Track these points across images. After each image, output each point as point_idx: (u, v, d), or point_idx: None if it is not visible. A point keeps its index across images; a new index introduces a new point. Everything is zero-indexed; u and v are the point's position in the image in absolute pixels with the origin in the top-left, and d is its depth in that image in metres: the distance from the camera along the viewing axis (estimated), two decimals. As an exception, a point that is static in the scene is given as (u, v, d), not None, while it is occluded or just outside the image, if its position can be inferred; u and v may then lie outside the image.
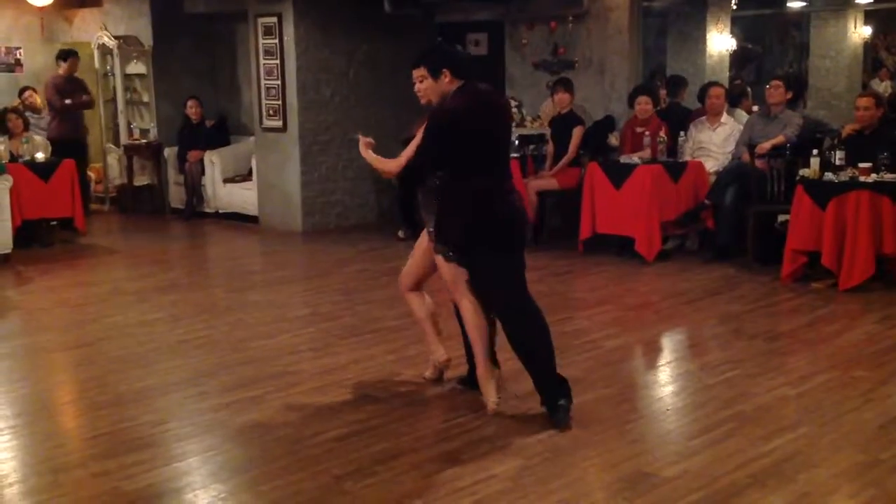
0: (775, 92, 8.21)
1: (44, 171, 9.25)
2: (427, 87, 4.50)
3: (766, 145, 7.97)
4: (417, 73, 4.52)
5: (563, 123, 8.99)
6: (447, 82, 4.47)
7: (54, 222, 9.59)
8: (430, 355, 5.05)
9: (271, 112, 10.12)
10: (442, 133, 4.41)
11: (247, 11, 10.15)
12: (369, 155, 4.79)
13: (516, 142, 9.04)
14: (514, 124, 10.12)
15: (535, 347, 4.52)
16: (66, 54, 11.00)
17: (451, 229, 4.51)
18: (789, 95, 8.28)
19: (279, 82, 9.95)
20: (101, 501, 3.73)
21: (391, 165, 4.70)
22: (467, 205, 4.43)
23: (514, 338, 4.54)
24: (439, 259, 4.65)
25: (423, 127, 4.50)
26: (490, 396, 4.61)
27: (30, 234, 9.19)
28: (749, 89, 10.33)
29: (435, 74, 4.47)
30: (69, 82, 10.88)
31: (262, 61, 10.09)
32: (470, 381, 4.87)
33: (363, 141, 4.81)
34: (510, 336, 4.54)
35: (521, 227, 4.66)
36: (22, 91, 11.10)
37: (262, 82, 10.14)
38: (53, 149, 9.82)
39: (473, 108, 4.45)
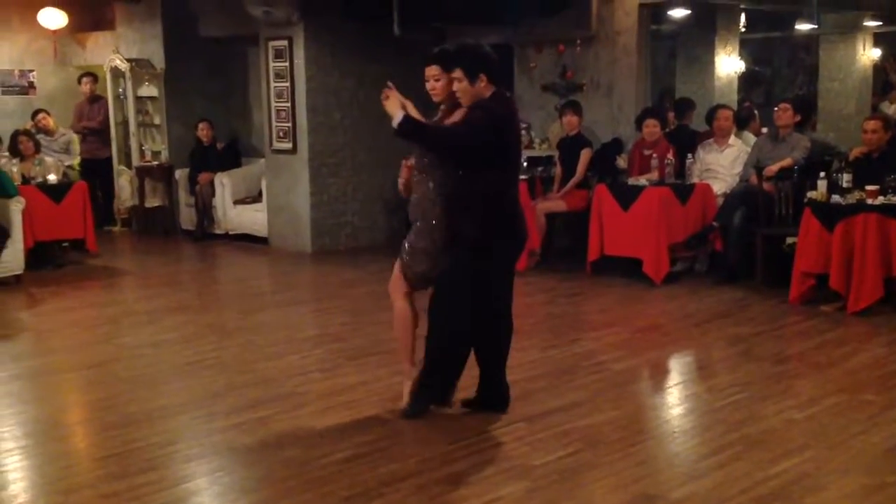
0: (783, 115, 8.23)
1: (56, 192, 9.33)
2: (462, 89, 4.51)
3: (773, 168, 7.99)
4: (454, 74, 4.52)
5: (571, 146, 9.03)
6: (483, 87, 4.52)
7: (66, 244, 9.65)
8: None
9: (281, 134, 10.19)
10: (486, 131, 4.45)
11: (258, 35, 10.25)
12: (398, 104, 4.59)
13: (525, 163, 9.09)
14: (522, 146, 10.19)
15: (458, 352, 4.78)
16: (81, 76, 11.64)
17: (466, 226, 4.56)
18: (797, 118, 8.29)
19: (289, 105, 10.03)
20: (109, 522, 3.75)
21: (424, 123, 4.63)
22: (485, 204, 4.54)
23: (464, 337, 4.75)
24: (397, 264, 4.83)
25: (465, 116, 4.52)
26: (404, 397, 4.86)
27: (42, 256, 9.25)
28: (757, 112, 10.35)
29: (472, 78, 4.49)
30: (90, 103, 11.58)
31: (272, 84, 10.17)
32: (477, 403, 4.90)
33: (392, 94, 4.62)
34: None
35: (525, 237, 4.84)
36: (35, 114, 11.22)
37: (273, 105, 10.22)
38: (81, 167, 10.75)
39: (510, 118, 4.56)
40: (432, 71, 4.66)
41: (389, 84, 4.66)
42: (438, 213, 4.66)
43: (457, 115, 4.62)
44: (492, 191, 4.56)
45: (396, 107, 4.55)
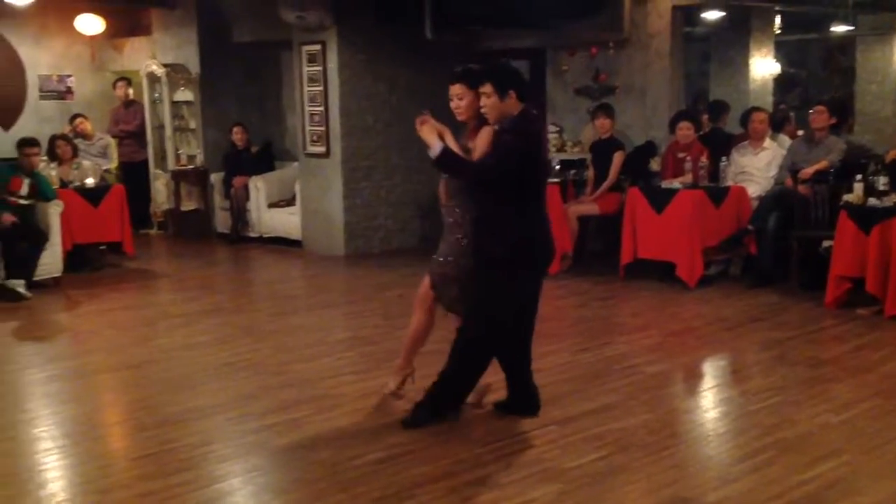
0: (819, 117, 8.16)
1: (94, 196, 9.45)
2: (490, 104, 4.50)
3: (809, 170, 7.93)
4: (483, 89, 4.51)
5: (603, 149, 9.01)
6: (511, 104, 4.52)
7: (103, 247, 9.78)
8: (400, 368, 5.10)
9: (315, 138, 10.26)
10: (518, 155, 4.46)
11: (291, 40, 10.32)
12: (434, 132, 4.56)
13: (557, 167, 9.08)
14: (554, 149, 10.18)
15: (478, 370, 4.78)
16: (115, 81, 12.00)
17: (496, 248, 4.55)
18: (833, 121, 8.22)
19: (322, 109, 10.09)
20: (145, 521, 3.80)
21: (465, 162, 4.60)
22: (518, 226, 4.55)
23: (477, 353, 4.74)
24: (427, 278, 4.88)
25: (494, 142, 4.52)
26: (390, 382, 5.03)
27: (80, 258, 9.38)
28: (792, 114, 10.28)
29: (502, 94, 4.49)
30: (125, 107, 11.89)
31: (305, 88, 10.24)
32: (508, 406, 4.91)
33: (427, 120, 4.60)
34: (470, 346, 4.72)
35: (552, 254, 4.82)
36: (73, 118, 11.37)
37: (306, 109, 10.29)
38: (120, 170, 11.26)
39: (537, 136, 4.59)
40: (456, 90, 4.65)
41: (425, 111, 4.64)
42: (464, 237, 4.70)
43: (484, 134, 4.60)
44: (519, 210, 4.55)
45: (433, 135, 4.52)
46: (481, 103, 4.55)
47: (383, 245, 10.45)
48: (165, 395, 5.45)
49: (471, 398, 5.05)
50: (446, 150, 4.48)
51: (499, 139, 4.52)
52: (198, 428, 4.88)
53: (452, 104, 4.68)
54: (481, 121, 4.64)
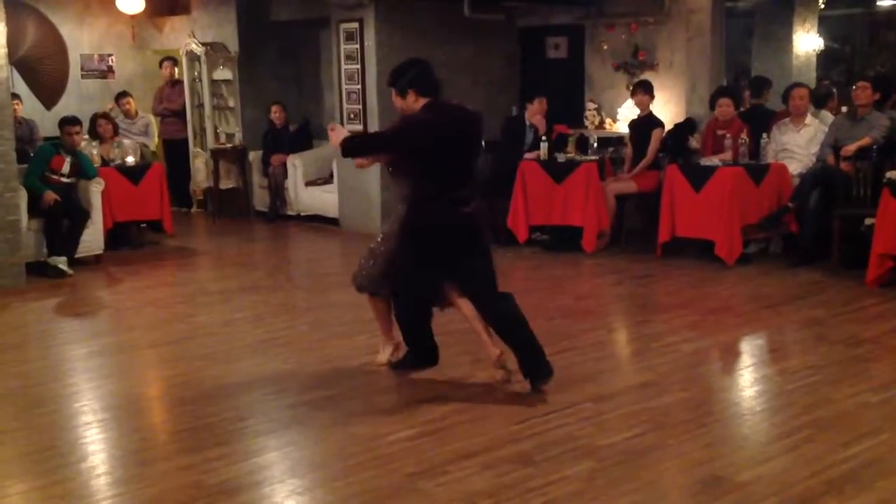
0: (862, 93, 8.02)
1: (134, 175, 9.54)
2: (399, 106, 4.92)
3: (851, 147, 7.80)
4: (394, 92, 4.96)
5: (642, 126, 8.94)
6: (412, 101, 4.85)
7: (143, 224, 9.88)
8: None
9: (352, 116, 10.27)
10: (409, 134, 4.84)
11: (329, 18, 10.32)
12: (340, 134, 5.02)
13: (594, 144, 9.02)
14: (593, 126, 10.12)
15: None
16: (162, 60, 12.10)
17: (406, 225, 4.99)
18: (877, 96, 8.07)
19: (360, 87, 10.09)
20: (183, 494, 3.85)
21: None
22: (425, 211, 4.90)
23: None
24: None
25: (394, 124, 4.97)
26: (497, 375, 5.01)
27: (120, 236, 9.50)
28: (835, 90, 10.09)
29: (402, 94, 4.87)
30: (170, 86, 12.01)
31: (343, 66, 10.24)
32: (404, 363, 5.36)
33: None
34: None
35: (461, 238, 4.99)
36: (119, 97, 11.44)
37: (344, 87, 10.29)
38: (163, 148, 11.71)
39: (435, 124, 4.81)
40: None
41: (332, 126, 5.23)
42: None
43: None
44: (427, 195, 4.85)
45: (337, 135, 4.98)
46: (395, 104, 4.96)
47: (420, 223, 10.44)
48: (204, 371, 5.52)
49: (501, 376, 5.04)
50: (346, 139, 4.91)
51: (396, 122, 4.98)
52: (235, 403, 4.93)
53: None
54: None
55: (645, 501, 3.68)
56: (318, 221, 10.95)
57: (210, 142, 11.73)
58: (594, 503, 3.66)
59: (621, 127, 9.86)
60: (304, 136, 11.52)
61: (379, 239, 5.30)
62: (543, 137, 8.95)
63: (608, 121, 10.15)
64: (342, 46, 10.20)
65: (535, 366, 4.87)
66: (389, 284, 5.17)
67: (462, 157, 4.90)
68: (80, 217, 8.50)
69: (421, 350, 5.34)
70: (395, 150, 4.99)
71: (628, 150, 9.09)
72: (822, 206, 7.84)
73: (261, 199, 11.68)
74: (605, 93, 10.33)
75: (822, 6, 12.89)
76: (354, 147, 5.00)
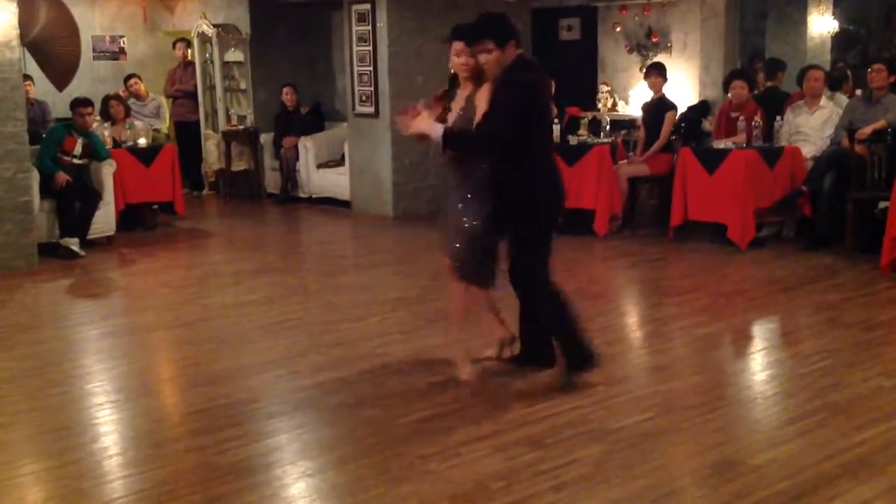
0: (877, 76, 7.95)
1: (146, 156, 9.55)
2: (494, 59, 4.45)
3: (866, 130, 7.74)
4: (484, 45, 4.45)
5: (655, 108, 8.89)
6: (511, 53, 4.47)
7: (155, 206, 9.90)
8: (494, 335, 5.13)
9: (364, 98, 10.25)
10: (522, 104, 4.42)
11: (341, -1, 10.30)
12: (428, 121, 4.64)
13: (607, 126, 8.98)
14: (605, 108, 10.08)
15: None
16: (175, 42, 12.06)
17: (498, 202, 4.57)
18: (892, 79, 8.01)
19: (371, 69, 10.06)
20: (195, 474, 3.86)
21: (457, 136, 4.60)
22: (536, 178, 4.54)
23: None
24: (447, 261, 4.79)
25: (495, 99, 4.44)
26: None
27: (132, 218, 9.52)
28: (850, 73, 10.02)
29: (502, 46, 4.45)
30: (183, 68, 11.94)
31: (355, 48, 10.22)
32: (520, 360, 5.03)
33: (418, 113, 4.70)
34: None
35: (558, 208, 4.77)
36: (128, 79, 11.47)
37: (355, 69, 10.27)
38: (174, 129, 11.64)
39: (537, 84, 4.52)
40: (458, 47, 4.61)
41: (416, 105, 4.75)
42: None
43: (483, 94, 4.55)
44: (518, 164, 4.52)
45: (429, 124, 4.59)
46: (482, 60, 4.51)
47: (431, 206, 10.41)
48: (215, 353, 5.53)
49: (493, 351, 5.11)
50: (447, 133, 4.53)
51: (501, 95, 4.44)
52: (247, 385, 4.94)
53: (460, 61, 4.63)
54: (479, 77, 4.62)
55: (656, 485, 3.67)
56: (330, 204, 10.95)
57: (222, 124, 11.74)
58: (605, 486, 3.66)
59: (634, 109, 9.82)
60: (316, 119, 11.51)
61: (466, 226, 4.70)
62: (556, 120, 8.92)
63: (621, 103, 10.10)
64: (354, 28, 10.17)
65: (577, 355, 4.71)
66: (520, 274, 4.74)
67: (550, 122, 4.74)
68: (92, 198, 8.52)
69: (545, 349, 4.87)
70: (517, 125, 4.42)
71: (641, 133, 9.05)
72: (835, 189, 7.79)
73: (272, 182, 11.69)
74: (617, 75, 10.29)
75: (838, -12, 12.80)
76: (463, 141, 4.58)
